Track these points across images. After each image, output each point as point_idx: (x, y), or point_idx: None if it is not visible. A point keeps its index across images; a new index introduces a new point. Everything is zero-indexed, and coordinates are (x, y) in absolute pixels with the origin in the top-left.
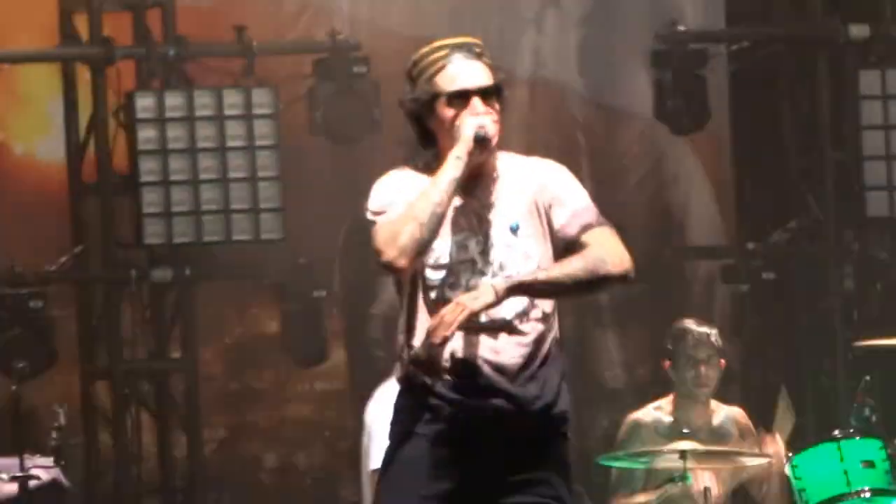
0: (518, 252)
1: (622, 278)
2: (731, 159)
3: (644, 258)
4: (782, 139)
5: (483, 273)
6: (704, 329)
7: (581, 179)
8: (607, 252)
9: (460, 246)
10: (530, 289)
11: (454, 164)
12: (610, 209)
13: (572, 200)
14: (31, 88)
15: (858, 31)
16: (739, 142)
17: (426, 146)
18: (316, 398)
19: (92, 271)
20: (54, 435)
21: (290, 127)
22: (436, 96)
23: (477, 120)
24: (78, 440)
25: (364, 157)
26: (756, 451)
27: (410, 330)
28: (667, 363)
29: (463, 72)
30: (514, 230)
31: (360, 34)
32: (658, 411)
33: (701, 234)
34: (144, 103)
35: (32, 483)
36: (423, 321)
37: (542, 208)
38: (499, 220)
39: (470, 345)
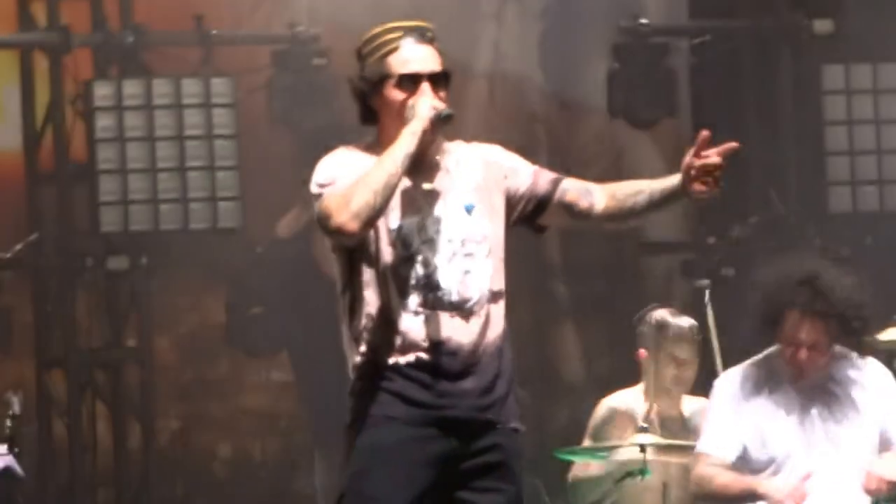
0: (475, 231)
1: None
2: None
3: (604, 253)
4: (744, 134)
5: (443, 252)
6: (685, 323)
7: None
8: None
9: (419, 226)
10: None
11: (409, 140)
12: None
13: (524, 165)
14: None
15: (822, 25)
16: None
17: (366, 122)
18: (270, 389)
19: (47, 259)
20: (8, 423)
21: (248, 117)
22: (386, 77)
23: (431, 100)
24: (32, 428)
25: (322, 147)
26: None
27: (360, 311)
28: (642, 353)
29: (416, 55)
30: (469, 210)
31: (319, 26)
32: (630, 399)
33: (661, 229)
34: (102, 92)
35: None
36: (374, 301)
37: (493, 186)
38: (452, 202)
39: (447, 326)
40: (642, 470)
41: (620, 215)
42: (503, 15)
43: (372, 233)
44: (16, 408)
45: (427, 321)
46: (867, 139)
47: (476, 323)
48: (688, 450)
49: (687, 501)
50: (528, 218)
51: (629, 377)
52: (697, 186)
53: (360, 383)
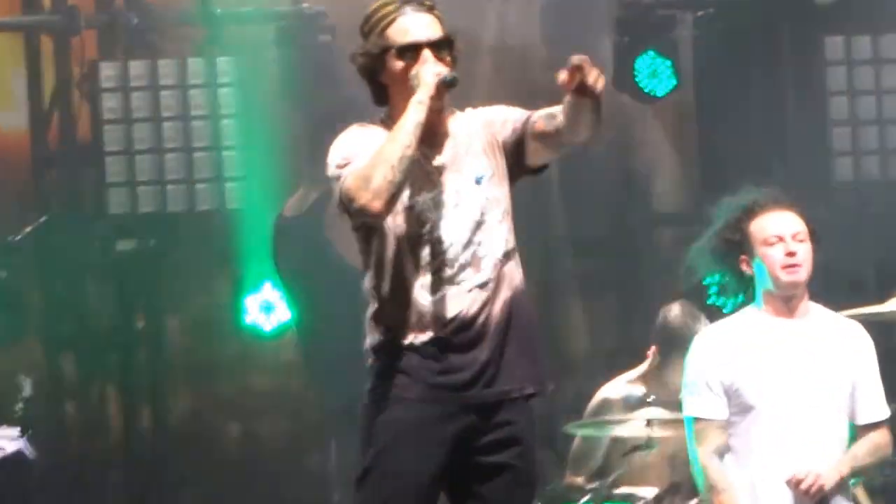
0: (488, 200)
1: None
2: (696, 126)
3: (609, 226)
4: (747, 105)
5: (459, 227)
6: (700, 326)
7: None
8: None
9: (434, 202)
10: None
11: (417, 109)
12: (575, 176)
13: (512, 116)
14: None
15: None
16: (705, 108)
17: (379, 103)
18: (279, 369)
19: (56, 242)
20: (20, 406)
21: (253, 96)
22: (386, 49)
23: (434, 67)
24: (43, 411)
25: (329, 125)
26: None
27: (378, 290)
28: (653, 349)
29: (414, 24)
30: (479, 181)
31: (324, 1)
32: (629, 385)
33: (666, 202)
34: (108, 72)
35: None
36: (390, 280)
37: (494, 146)
38: (464, 173)
39: (462, 301)
40: (648, 444)
41: (574, 120)
42: None
43: (391, 213)
44: (27, 390)
45: (443, 298)
46: (868, 109)
47: (489, 289)
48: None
49: (687, 474)
50: (518, 164)
51: (636, 352)
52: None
53: (378, 363)
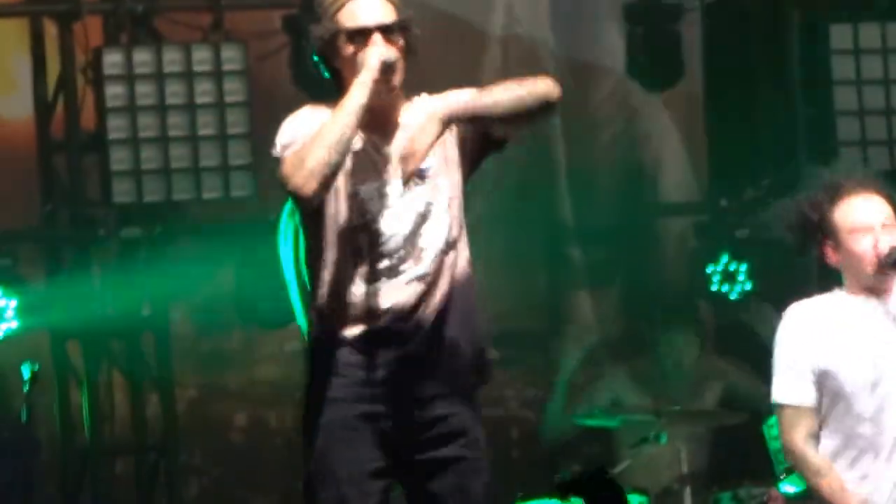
0: (433, 191)
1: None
2: (704, 115)
3: (617, 215)
4: (755, 95)
5: (402, 218)
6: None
7: (554, 137)
8: (524, 82)
9: (379, 192)
10: (467, 113)
11: (359, 91)
12: (583, 166)
13: (459, 93)
14: None
15: None
16: (712, 98)
17: (336, 87)
18: (285, 359)
19: (61, 230)
20: (25, 393)
21: (260, 82)
22: (337, 33)
23: (380, 49)
24: (50, 399)
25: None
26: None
27: (317, 282)
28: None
29: (363, 9)
30: (423, 173)
31: None
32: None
33: (674, 191)
34: (112, 59)
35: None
36: (329, 271)
37: (445, 135)
38: (411, 164)
39: (400, 293)
40: (657, 435)
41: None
42: None
43: (333, 199)
44: (34, 378)
45: (378, 290)
46: (876, 99)
47: (428, 282)
48: (700, 416)
49: (698, 466)
50: (483, 141)
51: (643, 342)
52: None
53: (312, 360)
